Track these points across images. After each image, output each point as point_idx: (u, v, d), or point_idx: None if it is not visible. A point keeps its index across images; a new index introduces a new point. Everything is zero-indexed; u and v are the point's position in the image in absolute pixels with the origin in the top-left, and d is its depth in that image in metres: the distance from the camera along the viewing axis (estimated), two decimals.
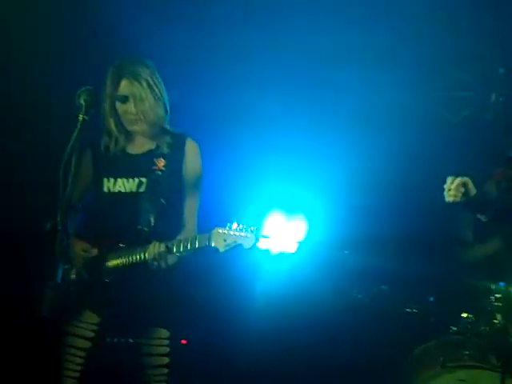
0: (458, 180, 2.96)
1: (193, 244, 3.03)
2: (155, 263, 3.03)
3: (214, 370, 4.40)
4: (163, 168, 3.20)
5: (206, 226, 3.21)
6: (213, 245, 3.00)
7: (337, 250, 4.64)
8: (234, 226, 3.01)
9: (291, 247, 4.45)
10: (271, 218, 3.95)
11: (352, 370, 4.37)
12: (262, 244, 4.29)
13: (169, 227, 3.21)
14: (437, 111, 5.22)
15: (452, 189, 2.98)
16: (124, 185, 3.21)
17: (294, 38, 4.65)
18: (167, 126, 3.30)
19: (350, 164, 4.73)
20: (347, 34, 4.73)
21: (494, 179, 3.90)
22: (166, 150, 3.24)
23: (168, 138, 3.27)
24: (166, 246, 3.03)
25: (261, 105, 4.78)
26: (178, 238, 3.12)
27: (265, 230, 3.47)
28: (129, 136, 3.28)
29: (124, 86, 3.14)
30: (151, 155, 3.25)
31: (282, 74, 4.79)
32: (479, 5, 4.75)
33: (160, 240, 3.05)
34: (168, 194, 3.21)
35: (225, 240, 2.98)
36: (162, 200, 3.18)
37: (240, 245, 2.99)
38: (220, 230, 3.01)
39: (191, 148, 3.29)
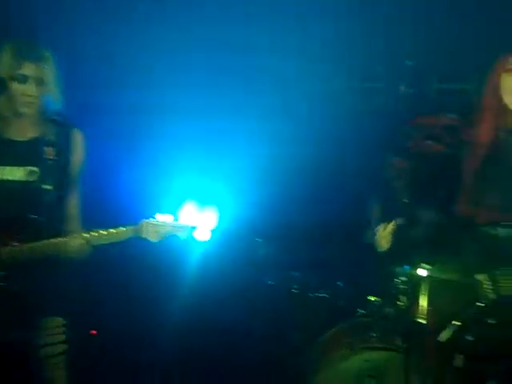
0: (390, 227, 3.05)
1: (120, 236, 3.05)
2: (73, 256, 3.03)
3: (122, 360, 4.42)
4: (53, 157, 3.15)
5: (121, 217, 3.25)
6: (144, 236, 3.06)
7: (249, 238, 4.73)
8: (160, 217, 3.07)
9: (203, 236, 4.51)
10: (185, 209, 4.00)
11: (264, 353, 4.46)
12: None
13: (60, 218, 3.19)
14: (349, 101, 5.36)
15: (385, 236, 3.07)
16: (13, 173, 3.12)
17: (200, 28, 4.67)
18: (54, 115, 3.26)
19: (264, 154, 4.82)
20: (259, 24, 4.79)
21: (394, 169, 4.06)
22: (52, 138, 3.19)
23: (53, 127, 3.21)
24: (87, 239, 3.03)
25: (174, 97, 4.79)
26: (67, 229, 3.13)
27: (180, 220, 3.52)
28: (14, 120, 3.17)
29: (27, 67, 3.07)
30: (39, 143, 3.18)
31: (196, 64, 4.81)
32: None
33: (55, 232, 3.05)
34: (59, 184, 3.17)
35: (157, 231, 3.05)
36: (54, 190, 3.14)
37: (175, 236, 3.07)
38: (149, 221, 3.07)
39: (78, 138, 3.26)
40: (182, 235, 3.16)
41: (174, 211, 3.48)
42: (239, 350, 4.49)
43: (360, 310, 4.09)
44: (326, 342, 4.04)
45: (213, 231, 4.48)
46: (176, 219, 3.20)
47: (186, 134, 4.75)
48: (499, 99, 2.77)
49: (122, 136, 4.44)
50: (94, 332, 4.27)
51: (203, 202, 4.28)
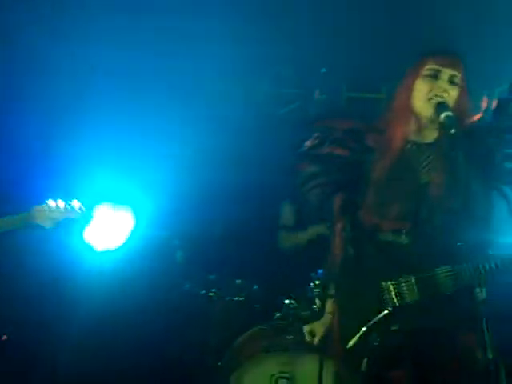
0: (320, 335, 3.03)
1: (12, 223, 3.01)
2: None
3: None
4: None
5: None
6: (37, 222, 3.01)
7: (165, 241, 4.70)
8: (52, 202, 3.00)
9: (119, 241, 4.46)
10: (98, 211, 3.93)
11: (181, 356, 4.44)
12: (89, 237, 4.29)
13: None
14: (263, 105, 5.43)
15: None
16: None
17: (102, 31, 4.60)
18: None
19: (180, 157, 4.81)
20: (170, 27, 4.76)
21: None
22: None
23: None
24: None
25: (92, 99, 4.71)
26: None
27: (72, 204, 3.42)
28: None
29: None
30: None
31: (110, 64, 4.74)
32: (300, 8, 5.00)
33: None
34: None
35: (49, 217, 3.01)
36: None
37: (70, 219, 3.02)
38: (41, 207, 3.02)
39: None
40: (75, 218, 3.11)
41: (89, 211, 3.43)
42: (156, 354, 4.44)
43: (276, 314, 4.13)
44: (241, 345, 4.06)
45: (128, 236, 4.44)
46: (68, 203, 3.17)
47: (103, 134, 4.68)
48: (411, 105, 2.75)
49: (35, 135, 4.32)
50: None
51: (119, 203, 4.23)
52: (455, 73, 2.72)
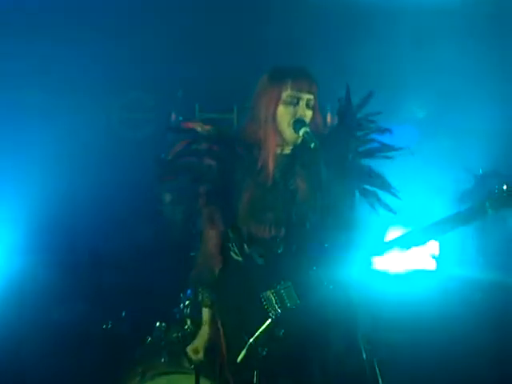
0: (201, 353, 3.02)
1: None
2: None
3: None
4: None
5: None
6: None
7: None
8: None
9: None
10: None
11: None
12: None
13: None
14: (118, 131, 5.40)
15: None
16: None
17: None
18: None
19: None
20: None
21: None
22: None
23: None
24: None
25: None
26: None
27: None
28: None
29: None
30: None
31: None
32: (157, 33, 5.06)
33: None
34: None
35: None
36: None
37: None
38: None
39: None
40: None
41: None
42: None
43: (148, 338, 4.09)
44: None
45: None
46: None
47: None
48: (276, 127, 2.84)
49: None
50: None
51: None
52: (311, 97, 2.85)
